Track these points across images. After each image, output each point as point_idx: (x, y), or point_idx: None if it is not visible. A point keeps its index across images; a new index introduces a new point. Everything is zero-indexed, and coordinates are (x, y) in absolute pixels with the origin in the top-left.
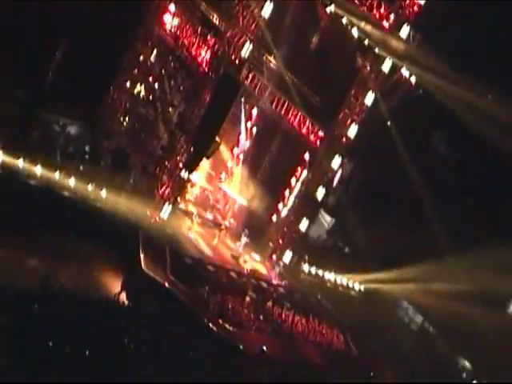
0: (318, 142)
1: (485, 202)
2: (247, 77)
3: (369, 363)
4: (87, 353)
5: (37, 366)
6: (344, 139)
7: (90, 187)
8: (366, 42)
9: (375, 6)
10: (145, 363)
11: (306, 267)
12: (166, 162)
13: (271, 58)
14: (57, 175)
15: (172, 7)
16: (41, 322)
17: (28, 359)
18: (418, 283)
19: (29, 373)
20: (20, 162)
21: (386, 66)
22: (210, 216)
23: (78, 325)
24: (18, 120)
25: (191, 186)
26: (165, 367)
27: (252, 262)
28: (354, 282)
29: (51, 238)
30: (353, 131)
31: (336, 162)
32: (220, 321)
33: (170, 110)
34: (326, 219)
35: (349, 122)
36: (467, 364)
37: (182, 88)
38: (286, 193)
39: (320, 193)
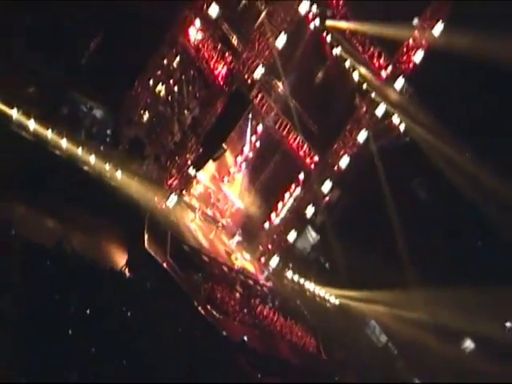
0: (313, 166)
1: (453, 245)
2: (256, 96)
3: (335, 369)
4: (87, 312)
5: (43, 317)
6: (336, 167)
7: (107, 167)
8: (365, 85)
9: (376, 56)
10: (137, 332)
11: (289, 274)
12: (177, 158)
13: (279, 84)
14: (79, 151)
15: (197, 22)
16: (51, 278)
17: (36, 310)
18: (386, 307)
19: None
20: (49, 133)
21: (380, 111)
22: (209, 212)
23: (82, 287)
24: (52, 96)
25: (196, 183)
26: (154, 340)
27: (242, 260)
28: (331, 296)
29: (68, 205)
30: (344, 162)
31: (326, 186)
32: (208, 306)
33: (186, 112)
34: (312, 235)
35: (342, 153)
36: None
37: (198, 95)
38: (280, 205)
39: (309, 211)
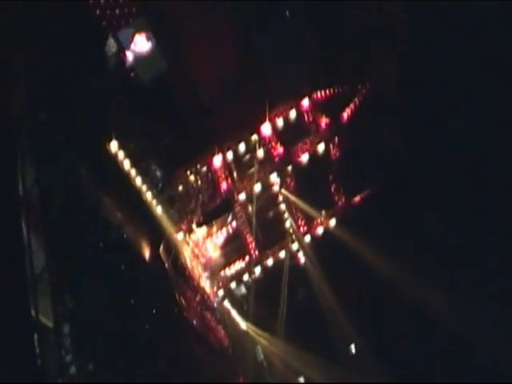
0: (254, 256)
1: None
2: (237, 207)
3: (232, 359)
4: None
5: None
6: (264, 262)
7: (154, 203)
8: (291, 230)
9: (300, 219)
10: (145, 293)
11: (226, 303)
12: (189, 216)
13: (250, 206)
14: (144, 188)
15: (219, 156)
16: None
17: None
18: (265, 340)
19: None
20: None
21: (294, 247)
22: (196, 251)
23: (119, 262)
24: (140, 159)
25: (194, 233)
26: (150, 302)
27: (206, 284)
28: (242, 323)
29: (130, 218)
30: (270, 261)
31: (257, 269)
32: (181, 298)
33: (200, 196)
34: (242, 289)
35: (270, 256)
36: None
37: (208, 191)
38: (231, 267)
39: (245, 277)
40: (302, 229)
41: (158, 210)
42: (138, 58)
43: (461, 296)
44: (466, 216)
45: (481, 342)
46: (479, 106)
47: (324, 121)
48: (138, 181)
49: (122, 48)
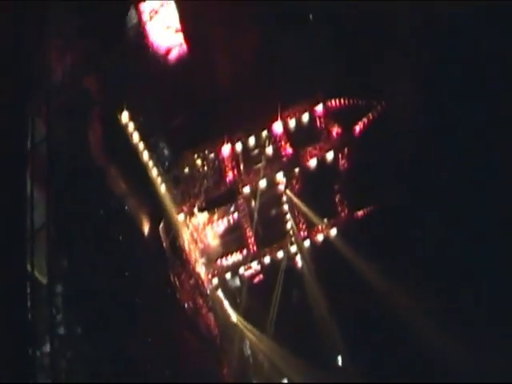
0: (252, 251)
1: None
2: (240, 199)
3: (220, 348)
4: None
5: None
6: (261, 259)
7: (159, 179)
8: (291, 232)
9: (301, 223)
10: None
11: (219, 292)
12: (192, 200)
13: (253, 201)
14: (150, 163)
15: (228, 147)
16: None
17: None
18: (254, 336)
19: None
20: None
21: (293, 249)
22: (195, 235)
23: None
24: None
25: (195, 217)
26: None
27: (201, 270)
28: (233, 316)
29: (133, 189)
30: (267, 259)
31: (254, 264)
32: (176, 279)
33: (205, 182)
34: (236, 282)
35: (268, 254)
36: None
37: (213, 178)
38: (228, 257)
39: (241, 270)
40: (302, 233)
41: (162, 188)
42: None
43: (460, 297)
44: (466, 216)
45: (481, 344)
46: (479, 106)
47: (336, 130)
48: (145, 155)
49: (143, 20)
